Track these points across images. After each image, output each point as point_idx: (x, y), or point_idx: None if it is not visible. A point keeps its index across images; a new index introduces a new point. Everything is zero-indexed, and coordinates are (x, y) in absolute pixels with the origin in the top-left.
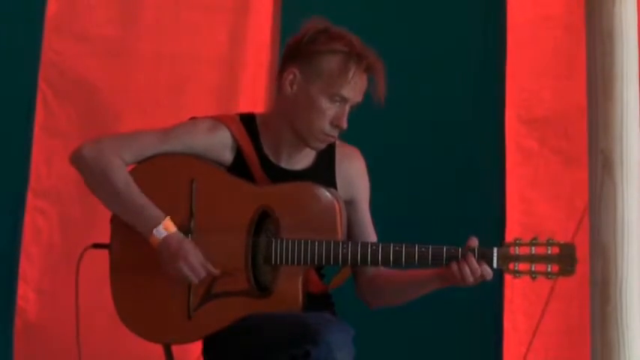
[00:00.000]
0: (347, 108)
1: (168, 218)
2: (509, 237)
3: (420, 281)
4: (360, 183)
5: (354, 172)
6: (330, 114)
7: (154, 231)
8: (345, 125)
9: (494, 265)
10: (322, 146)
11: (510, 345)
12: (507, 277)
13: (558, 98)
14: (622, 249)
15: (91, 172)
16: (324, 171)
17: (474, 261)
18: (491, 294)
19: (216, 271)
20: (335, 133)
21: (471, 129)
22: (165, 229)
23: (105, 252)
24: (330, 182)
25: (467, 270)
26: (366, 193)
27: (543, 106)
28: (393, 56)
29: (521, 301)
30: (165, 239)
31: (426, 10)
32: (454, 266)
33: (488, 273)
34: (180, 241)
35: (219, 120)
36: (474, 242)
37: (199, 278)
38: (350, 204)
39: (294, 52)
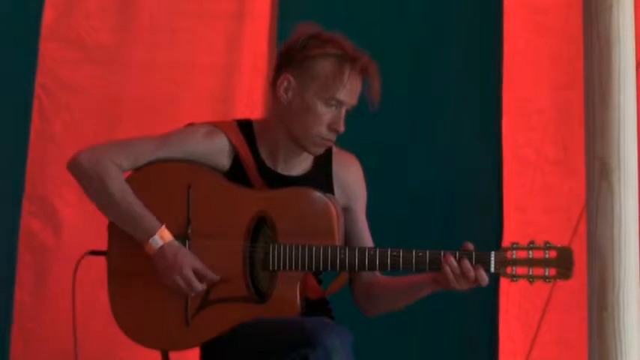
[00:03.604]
0: (343, 111)
1: (163, 227)
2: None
3: (414, 286)
4: (357, 190)
5: (351, 179)
6: (327, 118)
7: (150, 240)
8: (342, 129)
9: (492, 269)
10: (321, 151)
11: (506, 355)
12: (502, 287)
13: (556, 107)
14: (619, 254)
15: (88, 180)
16: (321, 177)
17: (467, 262)
18: (487, 304)
19: (216, 277)
20: (332, 137)
21: (468, 137)
22: (161, 238)
23: (100, 257)
24: (327, 188)
25: (455, 266)
26: (363, 200)
27: (540, 116)
28: (389, 62)
29: (517, 310)
30: (161, 249)
31: (423, 17)
32: (447, 268)
33: (484, 279)
34: (176, 253)
35: (216, 126)
36: (470, 247)
37: (195, 291)
38: (347, 211)
39: (287, 58)
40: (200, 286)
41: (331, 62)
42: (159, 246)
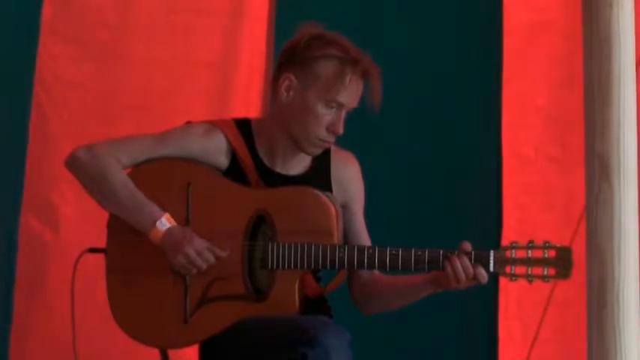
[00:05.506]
0: (343, 113)
1: (168, 214)
2: (504, 243)
3: (414, 287)
4: (355, 188)
5: (349, 177)
6: (327, 120)
7: (157, 223)
8: (341, 131)
9: (491, 268)
10: (318, 152)
11: (506, 353)
12: (502, 286)
13: (555, 105)
14: (619, 252)
15: (87, 174)
16: (319, 176)
17: (465, 259)
18: (487, 302)
19: (224, 253)
20: (331, 138)
21: (468, 136)
22: (168, 221)
23: (98, 255)
24: (325, 187)
25: (459, 268)
26: (360, 198)
27: (539, 113)
28: (388, 62)
29: (517, 309)
30: (169, 230)
31: (423, 16)
32: (447, 266)
33: (483, 276)
34: (184, 230)
35: (214, 124)
36: (468, 246)
37: (208, 263)
38: (344, 209)
39: (290, 57)
40: (211, 259)
41: (334, 64)
42: (166, 228)
